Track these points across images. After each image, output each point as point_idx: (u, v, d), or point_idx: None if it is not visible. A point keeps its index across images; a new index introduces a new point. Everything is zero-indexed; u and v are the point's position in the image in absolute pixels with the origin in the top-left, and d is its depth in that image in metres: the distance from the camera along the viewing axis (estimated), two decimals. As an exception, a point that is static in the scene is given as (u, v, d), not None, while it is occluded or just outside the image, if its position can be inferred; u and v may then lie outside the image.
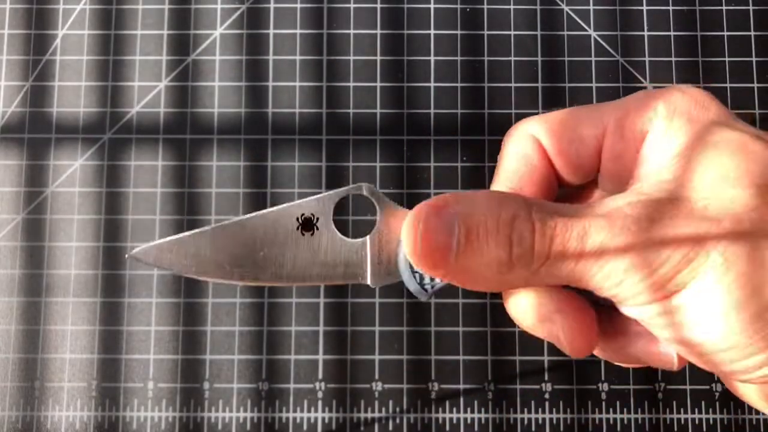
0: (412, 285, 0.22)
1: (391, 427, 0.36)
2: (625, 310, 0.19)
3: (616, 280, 0.18)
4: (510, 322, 0.38)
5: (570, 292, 0.21)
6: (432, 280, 0.22)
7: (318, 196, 0.23)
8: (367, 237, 0.23)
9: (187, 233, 0.22)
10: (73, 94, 0.38)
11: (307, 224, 0.23)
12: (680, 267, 0.17)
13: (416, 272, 0.22)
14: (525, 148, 0.23)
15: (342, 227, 0.23)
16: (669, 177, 0.19)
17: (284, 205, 0.23)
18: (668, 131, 0.20)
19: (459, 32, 0.39)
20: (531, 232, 0.19)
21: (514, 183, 0.23)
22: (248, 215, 0.23)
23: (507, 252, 0.19)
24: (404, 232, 0.20)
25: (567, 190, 0.24)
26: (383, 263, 0.23)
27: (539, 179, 0.23)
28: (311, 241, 0.23)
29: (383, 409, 0.36)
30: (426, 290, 0.22)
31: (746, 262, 0.17)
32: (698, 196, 0.18)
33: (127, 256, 0.24)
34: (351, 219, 0.37)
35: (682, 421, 0.36)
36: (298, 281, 0.23)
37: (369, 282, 0.23)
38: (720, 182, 0.18)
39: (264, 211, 0.22)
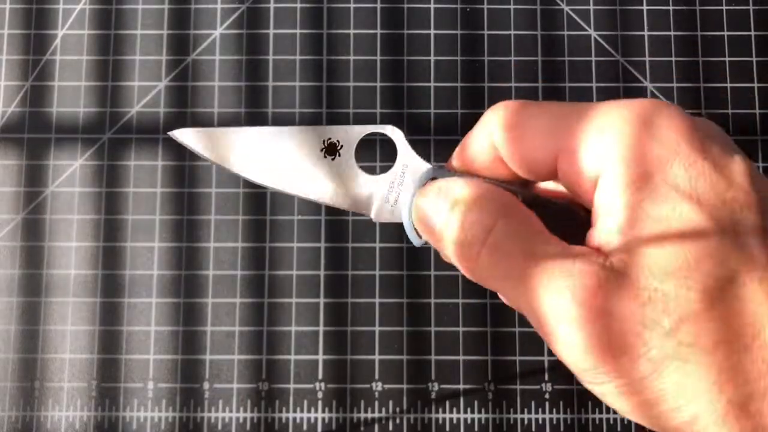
0: (409, 228, 0.24)
1: (391, 427, 0.36)
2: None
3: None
4: (510, 322, 0.38)
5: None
6: None
7: (346, 126, 0.25)
8: (382, 175, 0.24)
9: (226, 128, 0.25)
10: (73, 94, 0.38)
11: (331, 149, 0.25)
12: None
13: None
14: (488, 139, 0.22)
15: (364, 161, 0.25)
16: (620, 245, 0.18)
17: (315, 126, 0.25)
18: (618, 179, 0.18)
19: (459, 32, 0.39)
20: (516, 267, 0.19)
21: (476, 159, 0.23)
22: (282, 127, 0.25)
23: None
24: (443, 215, 0.21)
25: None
26: (389, 203, 0.24)
27: (497, 167, 0.22)
28: (331, 165, 0.25)
29: (383, 409, 0.36)
30: (420, 236, 0.23)
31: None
32: (646, 284, 0.17)
33: (168, 132, 0.26)
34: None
35: (682, 421, 0.35)
36: (310, 197, 0.25)
37: (372, 216, 0.24)
38: (667, 275, 0.17)
39: (297, 127, 0.25)
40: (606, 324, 0.17)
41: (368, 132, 0.25)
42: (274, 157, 0.25)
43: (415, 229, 0.23)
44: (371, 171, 0.25)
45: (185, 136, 0.25)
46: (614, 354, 0.17)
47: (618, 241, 0.18)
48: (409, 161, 0.24)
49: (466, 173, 0.23)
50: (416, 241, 0.24)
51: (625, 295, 0.17)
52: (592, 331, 0.17)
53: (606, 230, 0.18)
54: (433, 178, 0.23)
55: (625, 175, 0.18)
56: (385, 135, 0.25)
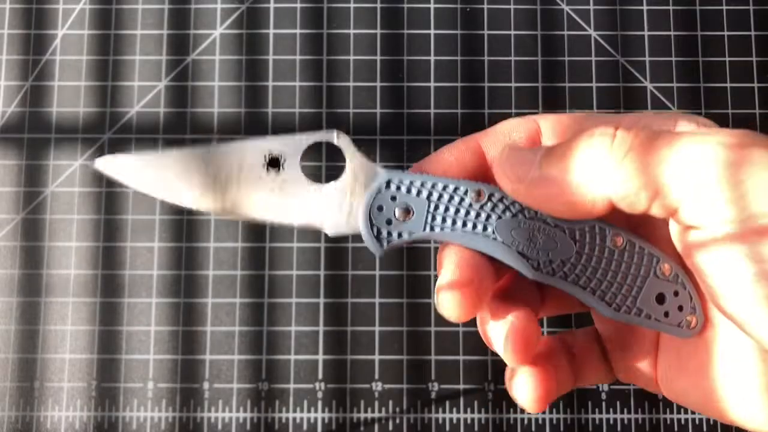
0: (368, 238, 0.22)
1: (391, 427, 0.36)
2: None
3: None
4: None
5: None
6: (389, 235, 0.22)
7: (288, 135, 0.23)
8: (332, 184, 0.23)
9: (153, 153, 0.23)
10: (73, 94, 0.38)
11: (274, 162, 0.23)
12: None
13: (374, 226, 0.22)
14: (529, 130, 0.23)
15: (312, 172, 0.23)
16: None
17: (254, 139, 0.23)
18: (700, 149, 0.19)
19: (459, 32, 0.39)
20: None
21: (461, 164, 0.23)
22: (217, 145, 0.23)
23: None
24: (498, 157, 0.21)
25: None
26: (344, 213, 0.22)
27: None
28: (275, 180, 0.23)
29: (383, 409, 0.36)
30: (382, 245, 0.22)
31: None
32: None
33: (89, 164, 0.23)
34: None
35: (682, 421, 0.36)
36: (256, 217, 0.22)
37: (327, 230, 0.23)
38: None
39: (234, 142, 0.23)
40: None
41: (312, 141, 0.23)
42: (213, 180, 0.22)
43: (375, 237, 0.22)
44: (319, 181, 0.23)
45: (110, 165, 0.22)
46: None
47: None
48: (359, 167, 0.22)
49: (430, 173, 0.22)
50: (378, 250, 0.22)
51: None
52: None
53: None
54: (388, 182, 0.22)
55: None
56: (331, 142, 0.23)
